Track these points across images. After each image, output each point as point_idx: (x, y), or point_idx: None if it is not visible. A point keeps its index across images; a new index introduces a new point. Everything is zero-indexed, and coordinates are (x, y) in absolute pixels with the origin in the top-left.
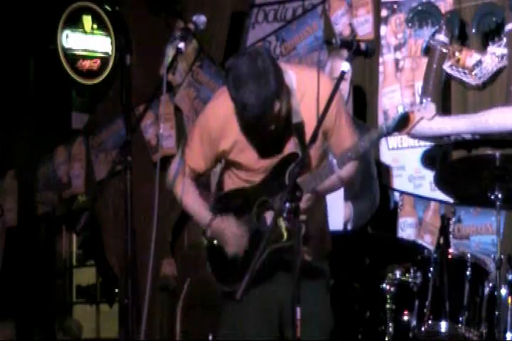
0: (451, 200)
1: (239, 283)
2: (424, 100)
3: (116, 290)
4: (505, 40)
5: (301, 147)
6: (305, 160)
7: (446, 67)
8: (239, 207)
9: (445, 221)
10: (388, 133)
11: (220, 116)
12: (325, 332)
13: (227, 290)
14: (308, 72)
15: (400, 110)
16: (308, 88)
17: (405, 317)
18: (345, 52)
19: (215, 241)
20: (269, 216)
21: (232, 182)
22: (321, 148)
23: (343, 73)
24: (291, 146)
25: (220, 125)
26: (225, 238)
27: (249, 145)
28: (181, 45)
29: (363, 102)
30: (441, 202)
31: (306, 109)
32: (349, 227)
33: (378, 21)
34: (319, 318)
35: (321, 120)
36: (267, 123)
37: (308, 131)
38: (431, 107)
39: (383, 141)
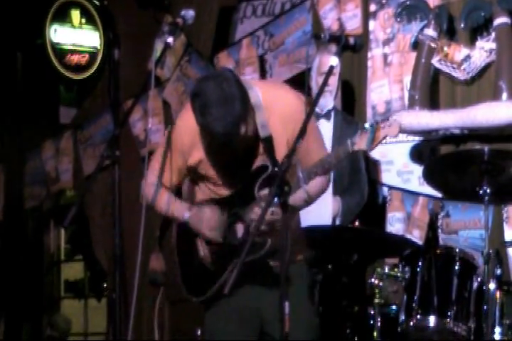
0: (439, 195)
1: (206, 294)
2: (389, 118)
3: (105, 284)
4: (493, 34)
5: (271, 160)
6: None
7: (435, 61)
8: None
9: (433, 216)
10: (353, 149)
11: (191, 130)
12: (309, 333)
13: (195, 301)
14: (273, 89)
15: (366, 126)
16: (274, 105)
17: (393, 312)
18: (333, 47)
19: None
20: (239, 228)
21: (202, 193)
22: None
23: (331, 68)
24: (259, 160)
25: (191, 139)
26: (204, 222)
27: (214, 164)
28: (169, 39)
29: (351, 97)
30: (429, 196)
31: (273, 125)
32: (337, 222)
33: (367, 16)
34: (301, 323)
35: (296, 141)
36: (235, 146)
37: (277, 145)
38: (396, 125)
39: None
